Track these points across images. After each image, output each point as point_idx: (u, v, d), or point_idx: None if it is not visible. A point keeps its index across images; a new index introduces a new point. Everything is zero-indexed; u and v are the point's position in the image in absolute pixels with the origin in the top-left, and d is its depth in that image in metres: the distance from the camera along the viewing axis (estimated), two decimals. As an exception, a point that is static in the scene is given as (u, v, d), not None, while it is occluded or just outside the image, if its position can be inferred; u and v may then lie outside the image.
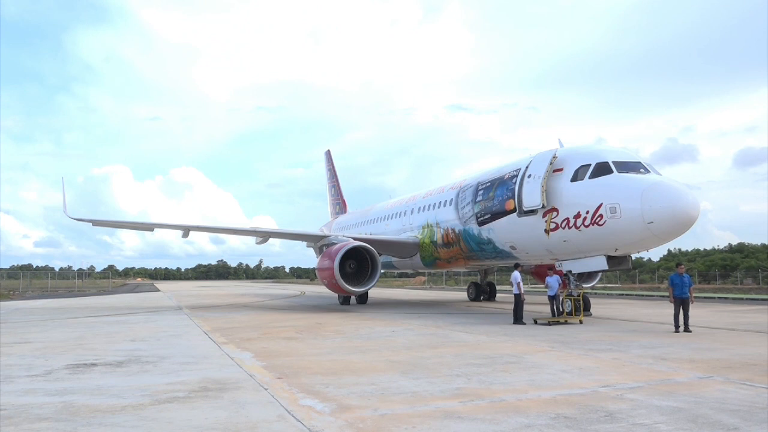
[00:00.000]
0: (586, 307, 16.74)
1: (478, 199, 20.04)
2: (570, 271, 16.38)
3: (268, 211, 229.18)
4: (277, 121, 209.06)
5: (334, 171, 45.69)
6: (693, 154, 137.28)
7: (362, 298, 24.97)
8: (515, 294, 15.83)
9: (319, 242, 26.72)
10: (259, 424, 5.37)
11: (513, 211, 17.78)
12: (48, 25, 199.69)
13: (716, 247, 66.27)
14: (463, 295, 32.17)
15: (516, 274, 16.06)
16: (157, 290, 52.64)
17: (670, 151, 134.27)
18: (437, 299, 31.51)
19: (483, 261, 22.13)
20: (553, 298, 16.51)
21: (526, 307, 16.64)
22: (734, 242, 67.21)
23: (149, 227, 28.99)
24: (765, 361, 8.96)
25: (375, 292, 36.94)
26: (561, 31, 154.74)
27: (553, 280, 16.51)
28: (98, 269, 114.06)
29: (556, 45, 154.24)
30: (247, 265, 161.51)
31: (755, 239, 72.23)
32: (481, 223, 19.77)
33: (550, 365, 8.59)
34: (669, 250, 65.08)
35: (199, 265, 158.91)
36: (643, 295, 32.68)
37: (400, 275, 61.80)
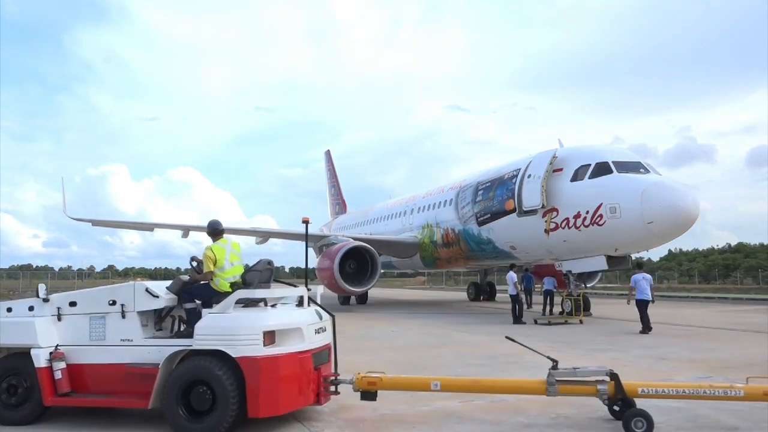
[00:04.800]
0: (586, 307, 16.75)
1: (478, 199, 20.04)
2: (570, 271, 16.38)
3: (268, 211, 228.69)
4: (277, 121, 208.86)
5: (334, 171, 45.69)
6: (692, 155, 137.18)
7: (362, 298, 24.96)
8: (511, 294, 15.87)
9: (319, 242, 26.69)
10: (259, 424, 5.37)
11: (513, 211, 17.77)
12: (48, 24, 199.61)
13: (716, 247, 66.33)
14: (463, 295, 32.15)
15: (512, 274, 16.09)
16: (157, 290, 52.61)
17: (672, 151, 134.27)
18: (437, 299, 31.50)
19: (483, 261, 22.12)
20: (547, 294, 17.48)
21: (527, 307, 16.70)
22: (733, 242, 67.20)
23: (149, 227, 29.00)
24: (765, 361, 8.95)
25: (375, 292, 36.88)
26: (561, 31, 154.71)
27: (548, 281, 17.81)
28: (98, 269, 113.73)
29: (556, 45, 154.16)
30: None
31: (755, 239, 72.20)
32: (481, 223, 19.76)
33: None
34: (670, 250, 65.09)
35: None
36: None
37: (400, 275, 61.77)
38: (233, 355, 5.01)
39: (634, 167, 15.43)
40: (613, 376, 5.01)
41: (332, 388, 5.62)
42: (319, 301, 6.15)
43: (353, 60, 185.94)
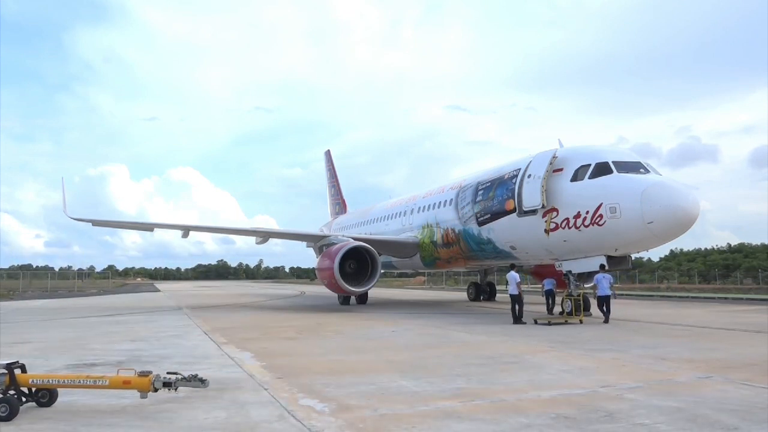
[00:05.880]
0: (586, 307, 16.75)
1: (478, 199, 20.04)
2: (570, 271, 16.38)
3: (268, 211, 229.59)
4: (276, 121, 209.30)
5: (334, 171, 45.71)
6: (693, 155, 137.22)
7: (362, 298, 24.97)
8: (512, 294, 15.87)
9: (319, 242, 26.72)
10: (259, 424, 5.38)
11: (513, 211, 17.78)
12: (48, 24, 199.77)
13: (716, 247, 66.32)
14: (463, 295, 32.17)
15: (514, 275, 16.09)
16: (157, 290, 52.65)
17: (674, 150, 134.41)
18: (437, 299, 31.51)
19: (483, 261, 22.12)
20: (548, 294, 17.72)
21: (526, 307, 16.68)
22: (734, 242, 67.21)
23: (149, 227, 29.00)
24: (765, 361, 8.96)
25: (375, 292, 36.92)
26: (561, 31, 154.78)
27: (548, 281, 18.15)
28: (98, 269, 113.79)
29: (556, 45, 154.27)
30: (247, 265, 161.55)
31: (756, 239, 72.15)
32: (481, 223, 19.76)
33: (550, 365, 8.59)
34: (671, 250, 65.17)
35: (199, 265, 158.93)
36: (643, 295, 32.67)
37: (400, 275, 61.88)
38: None
39: (634, 167, 15.44)
40: (10, 370, 5.78)
41: None
42: None
43: (353, 60, 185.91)
